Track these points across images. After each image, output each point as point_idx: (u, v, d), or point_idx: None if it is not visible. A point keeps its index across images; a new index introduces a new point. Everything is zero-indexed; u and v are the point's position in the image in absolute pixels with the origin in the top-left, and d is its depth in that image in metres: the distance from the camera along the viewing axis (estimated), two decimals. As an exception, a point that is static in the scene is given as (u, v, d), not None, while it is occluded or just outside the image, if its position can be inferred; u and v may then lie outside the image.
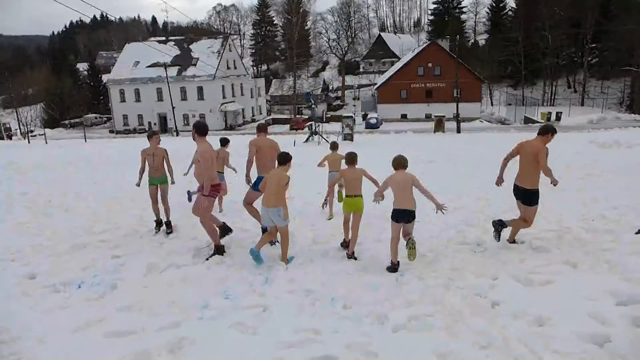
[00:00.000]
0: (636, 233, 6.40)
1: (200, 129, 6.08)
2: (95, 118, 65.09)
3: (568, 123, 39.90)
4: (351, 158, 6.20)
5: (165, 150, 7.62)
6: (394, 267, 5.38)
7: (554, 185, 5.83)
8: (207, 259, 5.94)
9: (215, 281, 5.21)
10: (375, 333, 3.85)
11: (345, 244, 6.27)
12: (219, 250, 6.12)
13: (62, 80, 68.56)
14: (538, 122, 42.52)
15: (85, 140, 38.73)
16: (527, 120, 44.30)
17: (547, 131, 5.90)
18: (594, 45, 58.81)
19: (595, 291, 4.35)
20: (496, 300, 4.33)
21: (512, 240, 6.19)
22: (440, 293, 4.59)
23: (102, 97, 70.17)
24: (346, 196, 6.15)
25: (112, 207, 9.91)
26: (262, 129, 7.06)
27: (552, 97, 59.05)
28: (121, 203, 10.36)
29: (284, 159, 5.87)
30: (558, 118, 41.99)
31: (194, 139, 6.11)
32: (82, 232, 7.51)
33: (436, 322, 3.94)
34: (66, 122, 62.96)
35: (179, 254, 6.21)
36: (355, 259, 5.92)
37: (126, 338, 3.93)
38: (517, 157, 6.05)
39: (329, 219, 8.06)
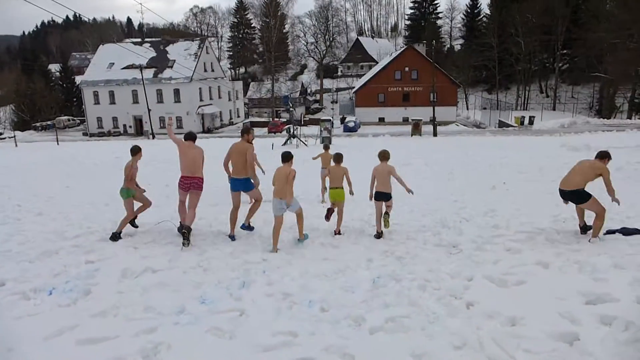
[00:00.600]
0: (605, 234, 6.61)
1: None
2: (68, 120, 63.46)
3: (540, 127, 40.88)
4: (338, 158, 7.71)
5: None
6: (378, 235, 7.03)
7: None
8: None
9: (191, 286, 5.15)
10: (352, 335, 3.87)
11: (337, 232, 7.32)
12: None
13: (34, 82, 66.58)
14: (512, 125, 43.50)
15: (58, 143, 37.80)
16: (502, 124, 45.24)
17: (604, 156, 6.73)
18: (565, 51, 60.65)
19: (565, 291, 4.47)
20: (471, 301, 4.40)
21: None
22: (416, 294, 4.64)
23: (75, 99, 68.60)
24: (330, 188, 7.54)
25: (86, 211, 9.71)
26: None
27: (526, 102, 60.54)
28: (96, 207, 10.16)
29: (286, 157, 6.63)
30: (531, 122, 42.98)
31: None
32: (55, 237, 7.32)
33: (412, 324, 3.99)
34: (37, 124, 61.21)
35: (155, 258, 6.12)
36: (342, 234, 7.26)
37: (100, 345, 3.85)
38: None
39: (322, 203, 9.40)
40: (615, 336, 3.56)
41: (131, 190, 7.67)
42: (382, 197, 7.12)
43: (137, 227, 7.80)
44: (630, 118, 48.06)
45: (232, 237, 7.04)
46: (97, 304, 4.66)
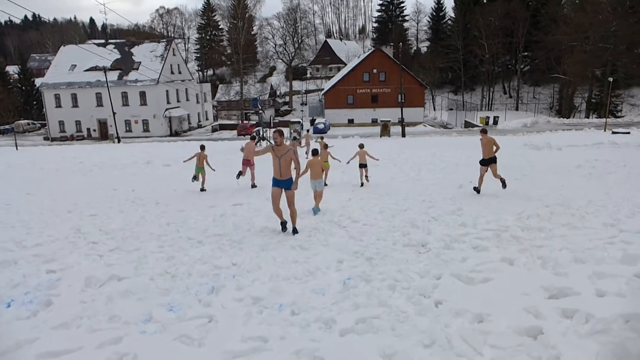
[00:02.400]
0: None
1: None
2: (28, 124, 61.07)
3: (504, 127, 42.08)
4: (315, 152, 9.88)
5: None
6: (361, 184, 12.69)
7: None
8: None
9: (159, 293, 5.03)
10: (322, 338, 3.86)
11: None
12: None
13: (-10, 84, 63.90)
14: (478, 125, 44.59)
15: (17, 148, 36.31)
16: (468, 125, 46.33)
17: (486, 131, 10.98)
18: (526, 53, 62.66)
19: (529, 286, 4.60)
20: (439, 300, 4.47)
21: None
22: (386, 294, 4.67)
23: (35, 102, 66.08)
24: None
25: (46, 219, 9.35)
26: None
27: (490, 102, 62.16)
28: (57, 215, 9.80)
29: (315, 152, 9.84)
30: (495, 122, 44.20)
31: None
32: (13, 247, 7.02)
33: (382, 324, 4.01)
34: (-6, 128, 58.69)
35: (120, 266, 5.95)
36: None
37: (61, 358, 3.70)
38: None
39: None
40: (576, 329, 3.68)
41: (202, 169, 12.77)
42: (363, 166, 12.97)
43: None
44: (588, 117, 50.12)
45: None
46: (58, 315, 4.48)
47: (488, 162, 10.48)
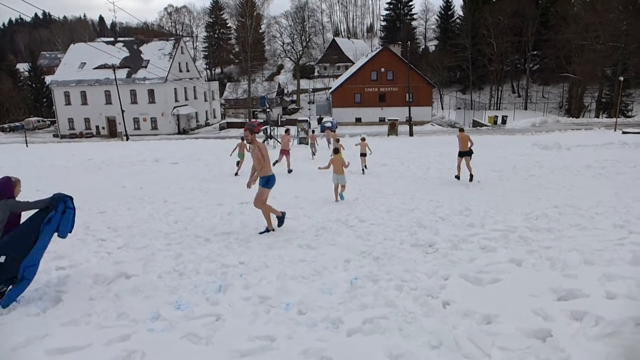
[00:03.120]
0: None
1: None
2: (38, 121, 61.62)
3: (513, 126, 41.82)
4: (336, 151, 10.91)
5: None
6: (363, 171, 14.97)
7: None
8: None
9: (166, 291, 5.05)
10: (330, 338, 3.85)
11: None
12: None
13: (1, 82, 64.58)
14: (486, 125, 44.35)
15: (27, 145, 36.67)
16: (476, 124, 46.08)
17: (463, 130, 13.77)
18: (535, 52, 62.22)
19: (538, 288, 4.57)
20: (447, 300, 4.45)
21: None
22: (393, 295, 4.66)
23: (45, 100, 66.67)
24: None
25: (55, 216, 9.42)
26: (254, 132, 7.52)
27: (498, 102, 61.80)
28: (66, 211, 9.86)
29: (336, 151, 10.87)
30: (504, 121, 43.92)
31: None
32: (23, 244, 7.07)
33: (389, 324, 4.00)
34: (5, 126, 59.31)
35: (129, 264, 5.98)
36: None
37: (71, 354, 3.73)
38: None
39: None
40: (585, 331, 3.65)
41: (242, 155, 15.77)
42: (363, 155, 15.82)
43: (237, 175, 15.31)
44: (597, 117, 49.68)
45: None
46: (67, 312, 4.52)
47: (463, 154, 12.91)
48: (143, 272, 5.67)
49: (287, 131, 17.35)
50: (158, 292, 5.01)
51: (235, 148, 16.20)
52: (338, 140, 14.75)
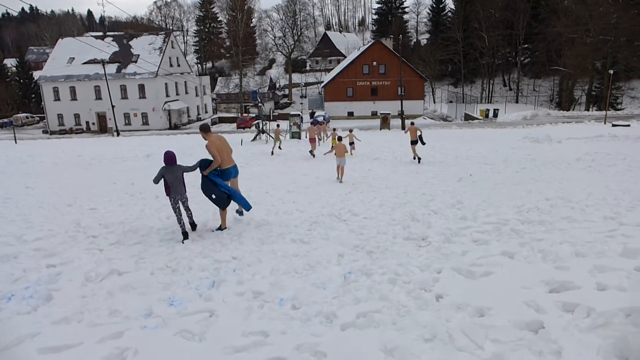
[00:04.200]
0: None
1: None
2: (27, 118, 60.82)
3: (504, 119, 41.98)
4: (340, 138, 13.97)
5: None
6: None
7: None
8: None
9: (159, 287, 5.03)
10: (324, 332, 3.86)
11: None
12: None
13: (-12, 77, 63.67)
14: (477, 118, 44.52)
15: (16, 142, 36.24)
16: (468, 117, 46.23)
17: (414, 124, 17.03)
18: (526, 46, 62.36)
19: (530, 280, 4.60)
20: (440, 294, 4.46)
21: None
22: (387, 289, 4.67)
23: (33, 95, 65.82)
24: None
25: (46, 212, 9.34)
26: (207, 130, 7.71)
27: (490, 95, 61.98)
28: (57, 208, 9.79)
29: (340, 138, 13.89)
30: (495, 115, 44.09)
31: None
32: (13, 241, 7.00)
33: (383, 318, 4.01)
34: (-7, 122, 58.52)
35: (121, 260, 5.95)
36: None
37: (63, 353, 3.71)
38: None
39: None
40: (577, 323, 3.68)
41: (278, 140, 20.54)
42: (352, 144, 19.09)
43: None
44: (588, 110, 50.01)
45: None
46: (59, 310, 4.48)
47: (414, 142, 16.12)
48: (135, 269, 5.64)
49: (313, 123, 20.08)
50: (151, 289, 4.99)
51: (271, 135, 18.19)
52: (351, 131, 20.10)
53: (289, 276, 5.22)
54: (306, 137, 25.34)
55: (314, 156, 18.61)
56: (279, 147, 21.06)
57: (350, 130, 19.53)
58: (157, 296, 4.78)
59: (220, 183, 7.30)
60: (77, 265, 5.81)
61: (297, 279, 5.12)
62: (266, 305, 4.47)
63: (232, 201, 7.41)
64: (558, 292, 4.34)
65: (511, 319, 3.81)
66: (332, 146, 16.38)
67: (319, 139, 23.65)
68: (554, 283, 4.46)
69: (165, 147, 8.58)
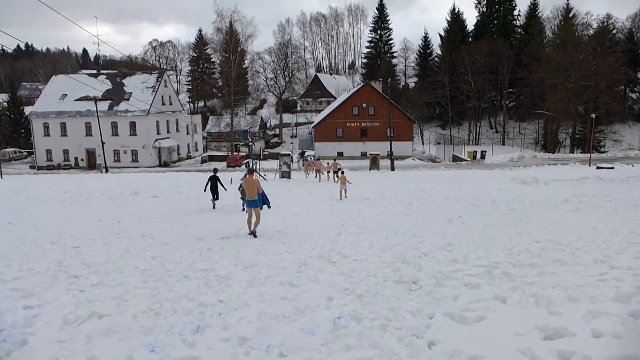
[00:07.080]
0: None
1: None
2: (15, 152, 60.39)
3: (492, 161, 42.66)
4: (342, 172, 20.26)
5: None
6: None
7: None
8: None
9: (141, 332, 4.82)
10: (312, 382, 3.69)
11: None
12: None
13: (-22, 112, 63.43)
14: (465, 160, 45.15)
15: (2, 177, 35.74)
16: (456, 159, 46.88)
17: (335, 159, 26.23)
18: (511, 90, 64.38)
19: (523, 326, 4.49)
20: (432, 340, 4.33)
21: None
22: (378, 335, 4.52)
23: (23, 131, 65.55)
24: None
25: (28, 250, 9.08)
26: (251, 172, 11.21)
27: (477, 137, 63.25)
28: (40, 245, 9.53)
29: (342, 171, 20.32)
30: (483, 156, 44.81)
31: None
32: (-11, 281, 6.74)
33: (374, 367, 3.86)
34: (-20, 157, 57.85)
35: (102, 302, 5.73)
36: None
37: (34, 404, 3.48)
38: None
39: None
40: (574, 372, 3.57)
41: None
42: (335, 174, 25.24)
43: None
44: (572, 152, 51.18)
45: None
46: (33, 356, 4.26)
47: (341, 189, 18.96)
48: (117, 312, 5.43)
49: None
50: (132, 333, 4.78)
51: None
52: (343, 172, 21.57)
53: (277, 321, 5.05)
54: (306, 171, 31.32)
55: (320, 180, 24.33)
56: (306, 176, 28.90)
57: (342, 172, 21.16)
58: (139, 341, 4.57)
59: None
60: (55, 307, 5.58)
61: (285, 324, 4.95)
62: (252, 352, 4.29)
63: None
64: (552, 339, 4.23)
65: (506, 368, 3.69)
66: (335, 178, 22.08)
67: (315, 176, 28.22)
68: (548, 329, 4.36)
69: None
